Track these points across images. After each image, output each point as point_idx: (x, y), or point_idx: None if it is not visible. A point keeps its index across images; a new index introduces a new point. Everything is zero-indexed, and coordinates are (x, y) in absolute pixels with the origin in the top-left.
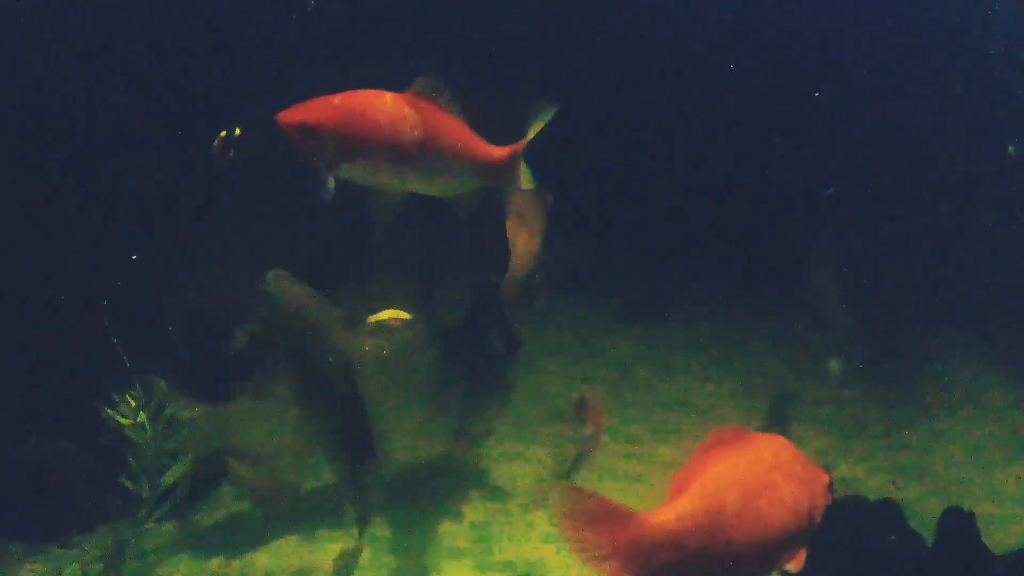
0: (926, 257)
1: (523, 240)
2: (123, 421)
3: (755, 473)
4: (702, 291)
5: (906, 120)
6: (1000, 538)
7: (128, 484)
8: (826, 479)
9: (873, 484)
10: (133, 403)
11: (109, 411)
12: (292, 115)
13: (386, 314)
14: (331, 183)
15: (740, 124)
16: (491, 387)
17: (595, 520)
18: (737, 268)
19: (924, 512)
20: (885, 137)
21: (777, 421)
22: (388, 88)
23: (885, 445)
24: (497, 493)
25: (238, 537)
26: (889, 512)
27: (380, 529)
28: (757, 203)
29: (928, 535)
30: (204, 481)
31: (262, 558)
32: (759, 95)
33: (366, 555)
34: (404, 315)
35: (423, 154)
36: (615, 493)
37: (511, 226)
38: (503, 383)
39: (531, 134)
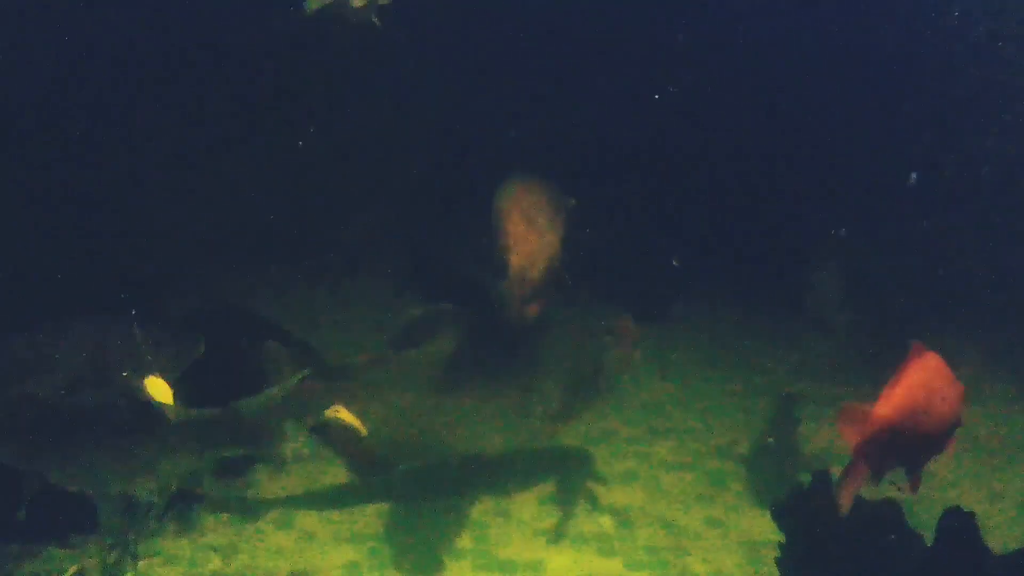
0: (926, 257)
1: (530, 243)
2: None
3: (931, 381)
4: (703, 291)
5: (908, 120)
6: (1000, 538)
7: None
8: (963, 389)
9: None
10: None
11: None
12: None
13: (340, 416)
14: None
15: (742, 124)
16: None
17: (850, 416)
18: (738, 268)
19: (924, 512)
20: (887, 137)
21: (785, 421)
22: None
23: None
24: (498, 492)
25: (238, 537)
26: (889, 512)
27: (381, 529)
28: (759, 203)
29: (928, 535)
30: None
31: (262, 558)
32: (761, 94)
33: (366, 555)
34: (358, 426)
35: None
36: (612, 493)
37: (514, 225)
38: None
39: None
